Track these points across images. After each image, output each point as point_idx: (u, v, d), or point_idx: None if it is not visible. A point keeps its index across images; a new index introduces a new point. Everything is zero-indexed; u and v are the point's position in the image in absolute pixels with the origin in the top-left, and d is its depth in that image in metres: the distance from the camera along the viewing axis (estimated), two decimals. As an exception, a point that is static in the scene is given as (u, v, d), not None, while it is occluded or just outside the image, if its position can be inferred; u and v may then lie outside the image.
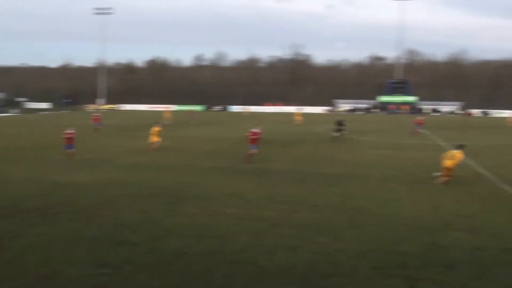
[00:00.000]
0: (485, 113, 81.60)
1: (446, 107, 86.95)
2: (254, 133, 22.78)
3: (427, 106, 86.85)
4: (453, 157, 17.78)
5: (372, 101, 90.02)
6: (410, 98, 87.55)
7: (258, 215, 12.97)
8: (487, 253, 10.12)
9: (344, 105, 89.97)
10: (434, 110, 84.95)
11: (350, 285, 8.41)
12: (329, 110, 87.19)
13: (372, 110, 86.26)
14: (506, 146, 31.93)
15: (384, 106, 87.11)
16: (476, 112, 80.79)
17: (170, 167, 21.31)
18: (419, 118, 40.50)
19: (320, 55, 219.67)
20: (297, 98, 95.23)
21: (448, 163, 17.69)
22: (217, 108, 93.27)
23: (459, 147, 18.48)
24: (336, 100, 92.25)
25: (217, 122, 55.09)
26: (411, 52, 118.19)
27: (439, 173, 18.13)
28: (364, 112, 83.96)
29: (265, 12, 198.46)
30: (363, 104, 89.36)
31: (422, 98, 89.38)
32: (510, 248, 10.52)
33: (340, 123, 33.74)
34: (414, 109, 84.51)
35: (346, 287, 8.37)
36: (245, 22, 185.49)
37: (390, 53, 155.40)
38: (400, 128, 47.17)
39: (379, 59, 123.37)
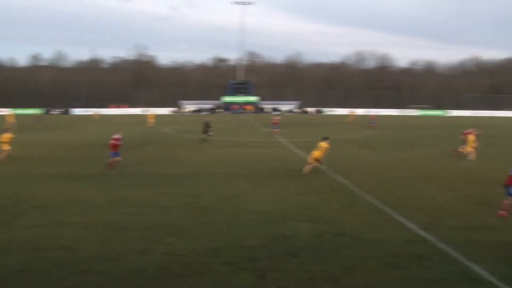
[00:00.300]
0: (319, 111, 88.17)
1: (285, 106, 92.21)
2: (116, 139, 21.32)
3: (268, 106, 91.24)
4: (321, 148, 20.42)
5: (216, 102, 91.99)
6: (252, 98, 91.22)
7: (105, 221, 12.53)
8: (325, 239, 11.08)
9: (189, 106, 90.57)
10: (275, 109, 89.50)
11: (202, 283, 8.57)
12: (174, 111, 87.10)
13: (217, 111, 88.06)
14: (340, 140, 34.94)
15: (228, 106, 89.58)
16: (311, 110, 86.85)
17: (7, 177, 19.41)
18: (276, 118, 41.59)
19: (165, 56, 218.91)
20: (142, 99, 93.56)
21: (316, 153, 20.27)
22: (57, 111, 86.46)
23: (325, 139, 21.16)
24: (181, 101, 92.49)
25: (65, 126, 51.69)
26: (252, 54, 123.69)
27: (308, 166, 20.25)
28: (209, 113, 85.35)
29: (107, 12, 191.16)
30: (207, 104, 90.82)
31: (263, 98, 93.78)
32: (344, 233, 11.62)
33: (207, 124, 33.93)
34: (258, 109, 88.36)
35: (199, 285, 8.51)
36: (87, 21, 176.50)
37: (233, 55, 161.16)
38: (244, 127, 49.03)
39: (222, 60, 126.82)
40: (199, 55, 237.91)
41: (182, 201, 14.86)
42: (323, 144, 20.69)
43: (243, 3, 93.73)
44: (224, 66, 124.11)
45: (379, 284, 8.63)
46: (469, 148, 25.71)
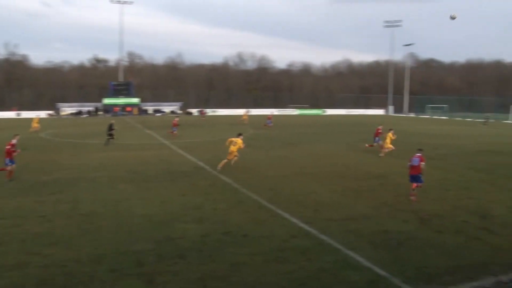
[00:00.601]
0: (200, 112, 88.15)
1: (167, 108, 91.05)
2: (12, 145, 19.26)
3: (150, 107, 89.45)
4: (235, 143, 21.86)
5: (97, 104, 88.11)
6: (134, 100, 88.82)
7: (-26, 235, 11.50)
8: (213, 239, 11.16)
9: (68, 109, 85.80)
10: (157, 111, 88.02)
11: (87, 293, 8.24)
12: (51, 115, 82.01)
13: (98, 113, 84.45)
14: (224, 140, 35.29)
15: (109, 109, 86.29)
16: (194, 111, 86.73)
17: None
18: (175, 119, 40.81)
19: (39, 56, 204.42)
20: (14, 101, 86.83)
21: (232, 148, 21.68)
22: None
23: (239, 135, 22.66)
24: (59, 103, 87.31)
25: None
26: (133, 55, 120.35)
27: (225, 160, 21.58)
28: (89, 115, 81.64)
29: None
30: (87, 107, 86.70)
31: (145, 100, 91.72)
32: (231, 231, 11.80)
33: (111, 127, 32.68)
34: (141, 111, 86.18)
35: (83, 295, 8.17)
36: None
37: (113, 55, 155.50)
38: (126, 129, 47.60)
39: (102, 61, 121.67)
40: (77, 55, 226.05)
41: (62, 209, 14.07)
42: (238, 140, 22.00)
43: (122, 2, 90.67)
44: (104, 67, 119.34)
45: (267, 278, 8.89)
46: (387, 145, 27.44)
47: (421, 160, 16.25)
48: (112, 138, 32.42)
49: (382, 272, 9.20)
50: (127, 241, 10.92)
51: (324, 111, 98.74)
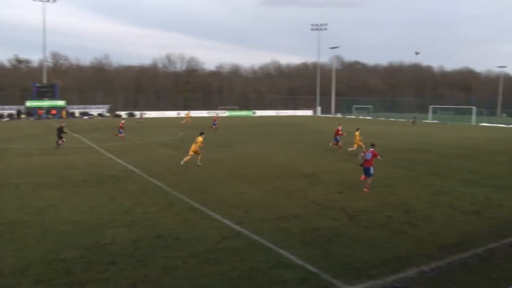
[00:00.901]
0: (131, 114, 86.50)
1: (95, 110, 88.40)
2: None
3: (77, 110, 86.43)
4: (197, 141, 23.45)
5: (19, 107, 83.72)
6: (59, 102, 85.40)
7: None
8: (144, 243, 11.01)
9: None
10: (85, 114, 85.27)
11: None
12: (-36, 118, 77.23)
13: (21, 116, 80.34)
14: (153, 143, 34.76)
15: (32, 112, 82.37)
16: (123, 114, 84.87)
17: None
18: (121, 122, 39.59)
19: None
20: None
21: (194, 146, 23.33)
22: None
23: (201, 134, 24.26)
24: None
25: None
26: (57, 55, 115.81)
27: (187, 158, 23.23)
28: (10, 119, 77.58)
29: None
30: (8, 110, 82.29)
31: (71, 102, 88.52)
32: (162, 234, 11.69)
33: (61, 130, 31.59)
34: (68, 114, 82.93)
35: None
36: None
37: (36, 55, 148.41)
38: (52, 133, 45.72)
39: (24, 61, 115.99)
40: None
41: (-19, 218, 13.34)
42: (199, 138, 23.67)
43: (44, 0, 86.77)
44: (26, 68, 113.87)
45: (199, 281, 8.90)
46: (356, 144, 28.81)
47: (374, 155, 17.68)
48: (63, 141, 31.56)
49: (313, 269, 9.47)
50: (54, 250, 10.52)
51: (254, 112, 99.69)
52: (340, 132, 30.74)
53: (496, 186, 18.97)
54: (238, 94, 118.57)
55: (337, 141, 30.48)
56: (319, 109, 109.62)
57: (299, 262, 9.86)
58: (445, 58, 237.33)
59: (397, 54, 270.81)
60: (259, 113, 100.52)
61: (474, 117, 79.71)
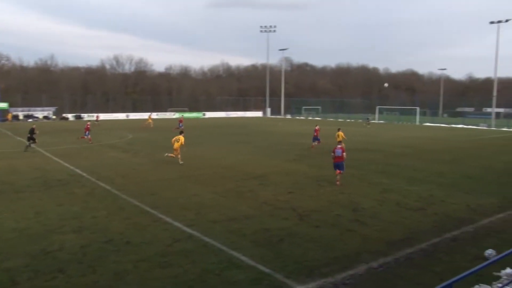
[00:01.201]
0: (78, 117, 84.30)
1: (41, 113, 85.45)
2: None
3: (21, 113, 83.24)
4: (178, 140, 24.81)
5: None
6: (1, 105, 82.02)
7: None
8: (93, 248, 10.77)
9: None
10: (29, 116, 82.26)
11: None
12: None
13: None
14: (102, 146, 33.98)
15: (-30, 114, 78.73)
16: (70, 116, 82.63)
17: None
18: (88, 124, 38.45)
19: None
20: None
21: (176, 145, 24.67)
22: None
23: (181, 133, 25.70)
24: None
25: None
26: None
27: (170, 154, 25.09)
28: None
29: None
30: None
31: (15, 104, 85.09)
32: (112, 239, 11.47)
33: (32, 131, 30.99)
34: (14, 117, 79.59)
35: None
36: None
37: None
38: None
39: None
40: None
41: None
42: (180, 138, 24.99)
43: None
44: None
45: (151, 285, 8.81)
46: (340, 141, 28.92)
47: (343, 151, 19.42)
48: (34, 142, 31.14)
49: (265, 269, 9.55)
50: (-2, 258, 10.14)
51: (203, 114, 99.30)
52: (318, 132, 33.09)
53: (439, 184, 19.74)
54: (188, 96, 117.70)
55: (317, 140, 32.46)
56: (268, 110, 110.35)
57: (251, 263, 9.92)
58: (390, 60, 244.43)
59: (345, 56, 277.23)
60: (209, 114, 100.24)
61: (418, 117, 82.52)
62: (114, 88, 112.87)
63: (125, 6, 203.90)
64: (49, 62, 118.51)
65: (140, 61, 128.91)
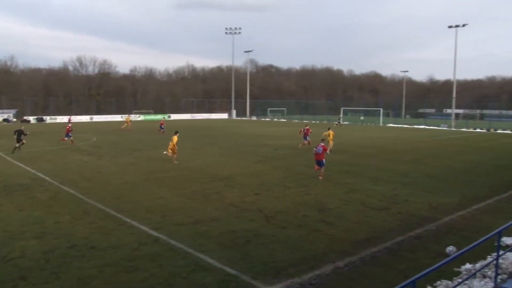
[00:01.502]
0: (40, 120, 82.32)
1: (0, 115, 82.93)
2: None
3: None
4: (172, 140, 25.96)
5: None
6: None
7: None
8: (57, 254, 10.52)
9: None
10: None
11: None
12: None
13: None
14: (64, 149, 33.28)
15: None
16: (32, 118, 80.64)
17: None
18: (69, 125, 38.04)
19: None
20: None
21: (171, 145, 25.86)
22: None
23: (175, 133, 26.80)
24: None
25: None
26: None
27: (166, 152, 26.39)
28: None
29: None
30: None
31: None
32: (76, 244, 11.25)
33: (20, 133, 30.66)
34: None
35: None
36: None
37: None
38: None
39: None
40: None
41: None
42: (174, 137, 26.07)
43: None
44: None
45: (117, 289, 8.68)
46: (330, 142, 31.43)
47: (324, 149, 21.16)
48: (23, 143, 31.14)
49: (233, 271, 9.55)
50: (-44, 266, 9.80)
51: (169, 116, 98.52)
52: (309, 132, 35.08)
53: (403, 183, 20.16)
54: (153, 98, 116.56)
55: (307, 140, 34.35)
56: (234, 112, 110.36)
57: (219, 265, 9.90)
58: (354, 63, 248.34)
59: (310, 58, 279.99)
60: (174, 116, 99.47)
61: (381, 118, 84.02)
62: (77, 90, 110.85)
63: (89, 7, 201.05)
64: (9, 63, 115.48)
65: (104, 62, 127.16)
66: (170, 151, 26.01)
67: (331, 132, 32.25)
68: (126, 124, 58.77)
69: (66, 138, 36.58)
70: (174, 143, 25.86)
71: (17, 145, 30.95)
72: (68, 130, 36.95)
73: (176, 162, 25.51)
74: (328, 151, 29.11)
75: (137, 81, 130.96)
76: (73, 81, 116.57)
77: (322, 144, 21.45)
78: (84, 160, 27.32)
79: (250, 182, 20.04)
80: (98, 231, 12.47)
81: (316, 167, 21.24)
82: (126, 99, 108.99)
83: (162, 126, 50.83)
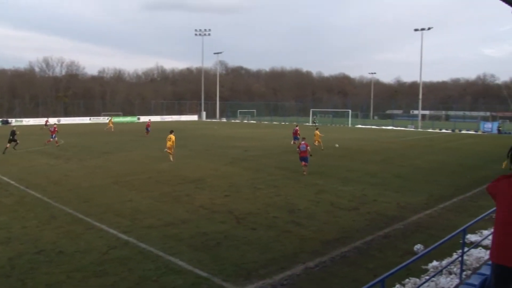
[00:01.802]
0: (5, 122, 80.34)
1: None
2: None
3: None
4: (170, 139, 27.14)
5: None
6: None
7: None
8: (23, 260, 10.28)
9: None
10: None
11: None
12: None
13: None
14: (31, 152, 32.57)
15: None
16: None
17: None
18: (54, 126, 37.83)
19: None
20: None
21: (168, 143, 27.14)
22: None
23: (171, 132, 28.03)
24: None
25: None
26: None
27: (167, 150, 27.41)
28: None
29: None
30: None
31: None
32: (44, 249, 11.01)
33: (13, 133, 31.20)
34: None
35: None
36: None
37: None
38: None
39: None
40: None
41: None
42: (171, 137, 27.27)
43: None
44: None
45: (86, 294, 8.56)
46: (317, 142, 34.58)
47: (307, 146, 23.08)
48: (16, 143, 31.80)
49: (203, 273, 9.53)
50: None
51: (138, 118, 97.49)
52: (298, 132, 37.63)
53: (372, 183, 20.47)
54: (122, 100, 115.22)
55: (296, 139, 36.22)
56: (204, 114, 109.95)
57: (189, 267, 9.87)
58: (323, 64, 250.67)
59: (279, 60, 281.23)
60: (144, 119, 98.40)
61: (350, 119, 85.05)
62: (44, 92, 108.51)
63: (55, 7, 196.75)
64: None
65: (72, 64, 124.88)
66: (169, 150, 27.20)
67: (317, 132, 35.23)
68: (108, 126, 58.22)
69: (51, 139, 36.63)
70: (173, 141, 27.13)
71: (9, 145, 31.56)
72: (54, 131, 37.04)
73: (172, 161, 26.66)
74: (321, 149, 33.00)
75: (106, 82, 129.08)
76: (39, 82, 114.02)
77: (304, 142, 23.46)
78: (51, 163, 26.79)
79: (220, 183, 20.01)
80: (66, 235, 12.26)
81: (303, 163, 22.76)
82: (94, 101, 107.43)
83: (148, 128, 50.33)
